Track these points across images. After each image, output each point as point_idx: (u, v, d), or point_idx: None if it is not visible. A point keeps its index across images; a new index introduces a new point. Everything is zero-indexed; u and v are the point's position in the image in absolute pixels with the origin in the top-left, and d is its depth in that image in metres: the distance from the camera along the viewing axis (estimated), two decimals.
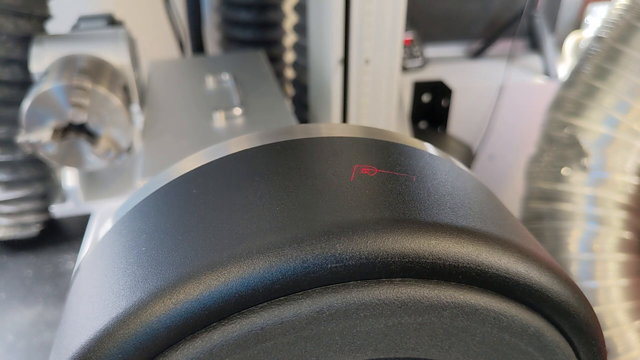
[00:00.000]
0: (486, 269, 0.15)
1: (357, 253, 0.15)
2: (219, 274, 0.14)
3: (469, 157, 1.01)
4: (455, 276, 0.15)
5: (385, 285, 0.15)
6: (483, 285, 0.16)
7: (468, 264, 0.15)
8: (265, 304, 0.15)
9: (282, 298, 0.15)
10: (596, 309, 0.59)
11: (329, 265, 0.15)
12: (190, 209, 0.18)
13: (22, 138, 0.47)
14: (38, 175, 0.61)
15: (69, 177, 0.56)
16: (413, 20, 1.15)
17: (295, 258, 0.14)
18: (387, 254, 0.15)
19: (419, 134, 1.02)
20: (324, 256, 0.15)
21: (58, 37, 0.53)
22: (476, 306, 0.16)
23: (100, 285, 0.17)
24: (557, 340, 0.17)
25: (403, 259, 0.15)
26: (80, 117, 0.47)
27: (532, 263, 0.16)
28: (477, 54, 1.24)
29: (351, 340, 0.15)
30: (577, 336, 0.17)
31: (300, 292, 0.15)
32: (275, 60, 0.80)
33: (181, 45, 0.82)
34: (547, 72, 1.16)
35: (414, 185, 0.18)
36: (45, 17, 0.56)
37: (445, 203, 0.17)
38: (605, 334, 0.59)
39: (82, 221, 0.70)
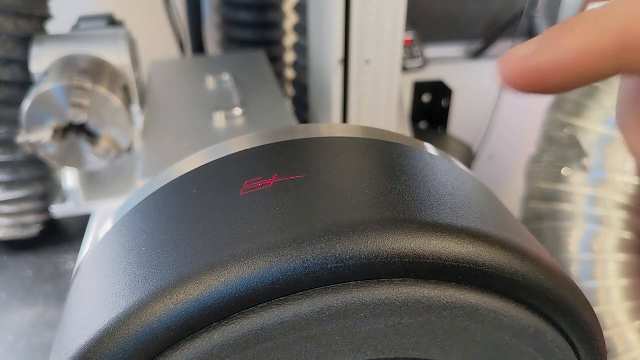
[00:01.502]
0: (486, 269, 0.15)
1: (357, 253, 0.15)
2: (219, 274, 0.14)
3: (469, 157, 1.01)
4: (455, 276, 0.15)
5: (385, 285, 0.15)
6: (483, 285, 0.16)
7: (468, 264, 0.15)
8: (265, 304, 0.15)
9: (282, 298, 0.15)
10: (596, 309, 0.59)
11: (329, 265, 0.15)
12: (190, 209, 0.18)
13: (22, 138, 0.47)
14: (38, 175, 0.61)
15: (69, 177, 0.56)
16: (413, 20, 1.15)
17: (295, 258, 0.14)
18: (387, 254, 0.15)
19: (419, 134, 1.02)
20: (324, 256, 0.15)
21: (58, 37, 0.53)
22: (476, 306, 0.16)
23: (100, 285, 0.17)
24: (557, 340, 0.17)
25: (403, 259, 0.15)
26: (80, 117, 0.47)
27: (532, 263, 0.16)
28: (477, 54, 1.24)
29: (351, 340, 0.15)
30: (577, 336, 0.17)
31: (300, 292, 0.15)
32: (275, 60, 0.80)
33: (181, 45, 0.82)
34: None
35: (414, 185, 0.18)
36: (45, 17, 0.56)
37: (445, 203, 0.17)
38: (605, 334, 0.59)
39: (82, 221, 0.70)
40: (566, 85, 0.14)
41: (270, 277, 0.14)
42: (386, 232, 0.15)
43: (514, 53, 0.14)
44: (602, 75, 0.14)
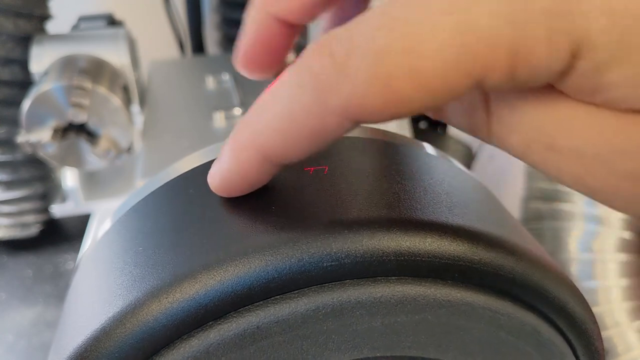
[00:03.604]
0: (483, 267, 0.15)
1: (353, 252, 0.15)
2: (215, 273, 0.14)
3: (469, 157, 1.01)
4: (452, 274, 0.15)
5: (381, 283, 0.15)
6: (480, 283, 0.16)
7: (464, 262, 0.15)
8: (262, 302, 0.15)
9: (278, 297, 0.15)
10: (596, 309, 0.59)
11: (325, 264, 0.15)
12: (187, 208, 0.18)
13: (22, 138, 0.47)
14: (38, 175, 0.61)
15: (69, 177, 0.56)
16: None
17: (291, 257, 0.14)
18: (383, 253, 0.15)
19: (419, 134, 1.02)
20: (319, 255, 0.15)
21: (58, 37, 0.53)
22: (473, 304, 0.16)
23: (97, 285, 0.17)
24: (554, 338, 0.17)
25: (399, 257, 0.15)
26: (80, 117, 0.47)
27: (529, 261, 0.16)
28: None
29: (348, 339, 0.15)
30: (574, 334, 0.17)
31: (297, 291, 0.15)
32: None
33: (181, 45, 0.82)
34: None
35: (410, 184, 0.18)
36: (45, 17, 0.56)
37: (442, 202, 0.17)
38: (605, 334, 0.59)
39: (82, 221, 0.70)
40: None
41: (266, 275, 0.14)
42: (382, 230, 0.15)
43: None
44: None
